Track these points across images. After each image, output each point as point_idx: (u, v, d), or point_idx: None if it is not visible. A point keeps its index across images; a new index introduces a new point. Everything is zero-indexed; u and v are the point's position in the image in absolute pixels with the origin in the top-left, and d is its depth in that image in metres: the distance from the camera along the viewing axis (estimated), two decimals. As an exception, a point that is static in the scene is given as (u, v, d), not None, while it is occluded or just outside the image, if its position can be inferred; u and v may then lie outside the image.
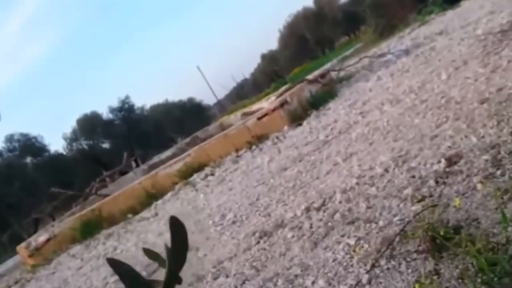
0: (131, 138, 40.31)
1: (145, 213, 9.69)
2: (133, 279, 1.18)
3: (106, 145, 42.51)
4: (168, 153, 18.89)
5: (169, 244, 1.15)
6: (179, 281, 1.18)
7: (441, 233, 2.94)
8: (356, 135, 6.54)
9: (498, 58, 6.31)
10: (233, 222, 5.76)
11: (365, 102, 8.36)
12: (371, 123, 6.76)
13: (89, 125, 41.19)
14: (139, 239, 7.71)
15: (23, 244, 11.66)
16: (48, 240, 11.32)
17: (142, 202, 10.50)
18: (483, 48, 7.28)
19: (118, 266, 1.16)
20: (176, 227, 1.15)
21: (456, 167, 3.88)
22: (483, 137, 4.17)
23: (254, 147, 10.00)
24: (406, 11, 20.71)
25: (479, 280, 2.48)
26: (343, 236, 3.77)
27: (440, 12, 16.90)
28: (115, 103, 43.67)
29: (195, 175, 10.31)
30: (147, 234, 7.81)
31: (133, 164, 21.98)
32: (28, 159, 36.39)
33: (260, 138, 10.27)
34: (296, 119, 10.18)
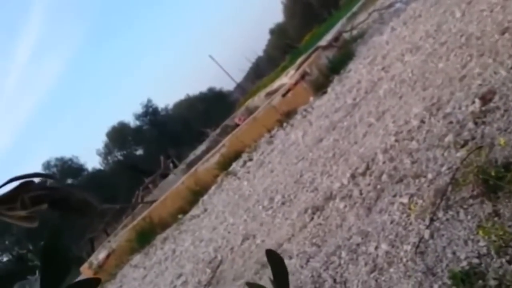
0: (163, 140, 40.69)
1: (194, 211, 9.82)
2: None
3: (139, 152, 43.07)
4: (202, 147, 19.01)
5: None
6: None
7: (492, 173, 2.95)
8: (384, 92, 6.50)
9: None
10: (283, 203, 5.81)
11: (384, 56, 8.28)
12: (396, 76, 6.70)
13: (119, 135, 41.76)
14: (195, 237, 7.84)
15: (85, 265, 11.96)
16: (108, 256, 11.59)
17: (189, 201, 10.63)
18: (493, -24, 7.14)
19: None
20: (275, 260, 1.17)
21: (491, 104, 3.86)
22: (511, 68, 4.13)
23: (285, 124, 10.01)
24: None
25: (540, 212, 2.49)
26: (394, 196, 3.80)
27: None
28: (139, 109, 44.11)
29: (234, 164, 10.39)
30: (201, 231, 7.94)
31: (171, 165, 22.17)
32: (69, 181, 37.09)
33: (289, 114, 10.27)
34: (320, 88, 10.14)
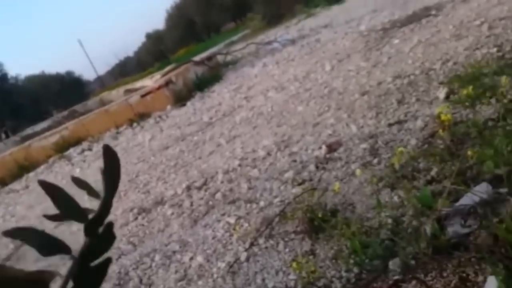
0: (3, 108, 38.12)
1: (15, 185, 9.22)
2: (68, 204, 1.11)
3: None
4: (43, 125, 18.06)
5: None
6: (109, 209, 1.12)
7: (319, 215, 3.03)
8: (240, 119, 6.59)
9: (379, 54, 6.59)
10: (110, 198, 5.60)
11: (250, 87, 8.43)
12: (255, 107, 6.83)
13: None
14: (7, 211, 7.33)
15: None
16: None
17: (12, 174, 9.97)
18: (365, 44, 7.58)
19: (52, 190, 1.08)
20: (109, 155, 1.09)
21: (336, 154, 4.01)
22: (362, 127, 4.34)
23: (135, 124, 9.80)
24: (294, 2, 21.14)
25: (352, 261, 2.57)
26: (223, 215, 3.80)
27: (326, 6, 17.41)
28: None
29: (71, 149, 9.95)
30: (15, 206, 7.44)
31: (3, 135, 20.78)
32: None
33: (143, 116, 10.09)
34: (180, 100, 10.09)
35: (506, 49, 4.58)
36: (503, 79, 3.48)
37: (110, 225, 1.15)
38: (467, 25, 5.97)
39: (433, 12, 7.62)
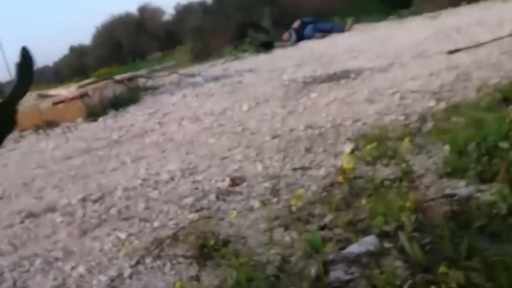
0: None
1: None
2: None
3: None
4: None
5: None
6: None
7: (211, 243, 3.04)
8: (150, 141, 6.56)
9: (296, 103, 6.79)
10: (0, 198, 5.39)
11: (165, 114, 8.41)
12: (167, 133, 6.83)
13: None
14: None
15: None
16: None
17: None
18: (284, 92, 7.79)
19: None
20: (24, 54, 1.12)
21: (238, 188, 4.07)
22: (267, 167, 4.43)
23: (41, 131, 9.50)
24: (224, 43, 21.43)
25: (234, 291, 2.60)
26: (114, 229, 3.73)
27: (254, 53, 17.75)
28: None
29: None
30: None
31: None
32: None
33: (50, 124, 9.79)
34: (93, 114, 9.89)
35: (412, 119, 4.84)
36: (405, 144, 3.69)
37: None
38: (381, 92, 6.27)
39: (352, 75, 7.96)
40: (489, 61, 6.61)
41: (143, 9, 46.34)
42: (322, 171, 3.99)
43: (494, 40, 8.01)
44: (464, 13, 14.74)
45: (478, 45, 7.97)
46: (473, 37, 9.08)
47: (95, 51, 55.02)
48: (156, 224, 3.65)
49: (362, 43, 12.94)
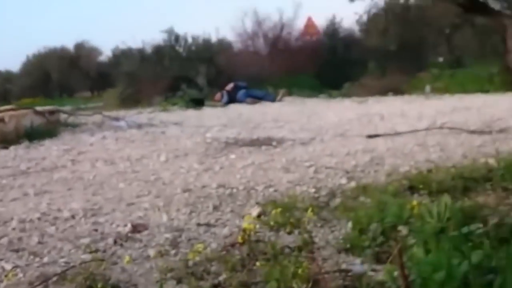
0: None
1: None
2: None
3: None
4: None
5: None
6: None
7: (98, 286, 2.94)
8: (59, 177, 6.39)
9: (214, 162, 6.83)
10: None
11: (81, 153, 8.23)
12: (77, 172, 6.68)
13: None
14: None
15: None
16: None
17: None
18: (205, 149, 7.84)
19: None
20: None
21: (138, 235, 3.98)
22: (172, 219, 4.38)
23: None
24: (155, 92, 21.45)
25: None
26: (1, 260, 3.55)
27: (184, 107, 17.83)
28: None
29: None
30: None
31: None
32: None
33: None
34: (5, 141, 9.53)
35: (322, 193, 4.96)
36: (308, 215, 3.75)
37: None
38: (297, 163, 6.41)
39: (274, 143, 8.11)
40: (403, 150, 6.89)
41: (79, 46, 45.74)
42: (225, 230, 3.98)
43: (411, 131, 8.40)
44: (389, 102, 15.50)
45: (396, 134, 8.33)
46: (393, 125, 9.54)
47: (22, 79, 53.45)
48: (46, 259, 3.51)
49: (289, 114, 13.30)
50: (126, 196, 5.26)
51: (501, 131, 7.81)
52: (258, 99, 19.17)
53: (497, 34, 21.64)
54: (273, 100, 19.21)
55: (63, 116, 12.70)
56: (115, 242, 3.87)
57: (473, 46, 25.17)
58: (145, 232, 4.05)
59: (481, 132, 7.85)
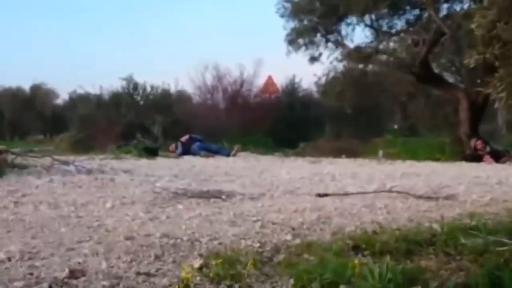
0: None
1: None
2: None
3: None
4: None
5: None
6: None
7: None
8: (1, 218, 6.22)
9: (160, 211, 6.77)
10: None
11: (25, 195, 8.04)
12: (19, 214, 6.53)
13: None
14: None
15: None
16: None
17: None
18: (153, 198, 7.76)
19: None
20: None
21: (74, 281, 3.88)
22: (112, 266, 4.28)
23: None
24: (109, 139, 21.29)
25: None
26: None
27: (136, 156, 17.71)
28: None
29: None
30: None
31: None
32: None
33: None
34: None
35: (266, 249, 4.93)
36: (248, 268, 3.74)
37: None
38: (244, 217, 6.40)
39: (224, 196, 8.09)
40: (351, 210, 6.96)
41: (36, 88, 45.23)
42: (165, 280, 3.91)
43: (360, 193, 8.52)
44: (342, 164, 15.76)
45: (345, 194, 8.43)
46: (343, 186, 9.67)
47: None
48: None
49: (242, 170, 13.35)
50: (66, 240, 5.13)
51: (447, 197, 7.96)
52: (212, 152, 19.23)
53: (450, 105, 22.51)
54: (227, 154, 19.29)
55: (11, 157, 12.43)
56: (50, 287, 3.76)
57: (427, 115, 25.96)
58: (82, 279, 3.94)
59: (428, 198, 7.98)
